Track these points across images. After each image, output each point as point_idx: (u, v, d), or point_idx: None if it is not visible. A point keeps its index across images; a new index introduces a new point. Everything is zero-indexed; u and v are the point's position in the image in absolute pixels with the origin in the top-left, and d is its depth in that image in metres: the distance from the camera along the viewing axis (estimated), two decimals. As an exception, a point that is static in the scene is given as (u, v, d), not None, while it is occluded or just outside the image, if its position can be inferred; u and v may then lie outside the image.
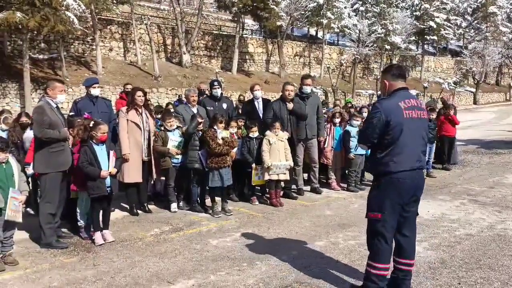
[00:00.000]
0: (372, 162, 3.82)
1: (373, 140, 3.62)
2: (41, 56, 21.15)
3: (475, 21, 45.31)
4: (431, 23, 38.93)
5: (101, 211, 5.32)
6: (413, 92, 33.91)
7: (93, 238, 5.24)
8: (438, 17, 39.15)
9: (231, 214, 6.39)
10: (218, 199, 6.51)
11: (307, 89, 7.46)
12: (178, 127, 6.59)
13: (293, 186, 7.59)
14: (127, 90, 8.72)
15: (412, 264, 3.78)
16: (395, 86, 3.70)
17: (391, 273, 3.76)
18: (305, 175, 8.04)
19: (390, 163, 3.56)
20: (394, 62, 39.73)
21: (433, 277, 4.19)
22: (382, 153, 3.62)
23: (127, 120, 6.27)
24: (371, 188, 3.81)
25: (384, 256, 3.62)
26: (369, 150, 4.02)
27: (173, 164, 6.55)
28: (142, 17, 25.90)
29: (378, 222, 3.62)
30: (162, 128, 6.53)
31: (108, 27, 24.37)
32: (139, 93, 6.36)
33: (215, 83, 7.59)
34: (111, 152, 5.26)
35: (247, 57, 30.88)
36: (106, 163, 5.18)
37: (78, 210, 5.45)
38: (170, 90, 23.45)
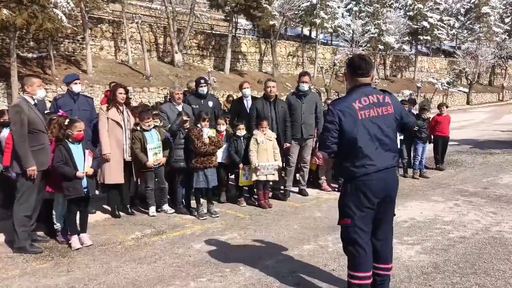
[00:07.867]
0: (338, 167, 3.54)
1: (332, 145, 3.32)
2: (30, 55, 20.75)
3: (468, 22, 45.34)
4: (425, 23, 38.88)
5: (78, 214, 5.04)
6: (407, 92, 33.94)
7: (69, 242, 4.97)
8: (431, 17, 39.11)
9: (217, 216, 6.14)
10: (204, 200, 6.25)
11: (304, 86, 7.11)
12: (155, 127, 6.23)
13: (281, 187, 7.35)
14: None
15: (390, 268, 3.56)
16: (355, 83, 3.40)
17: None
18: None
19: (352, 168, 3.32)
20: (388, 62, 39.76)
21: (426, 283, 3.97)
22: (344, 157, 3.37)
23: (108, 118, 6.00)
24: (340, 194, 3.58)
25: (362, 264, 3.37)
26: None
27: (153, 167, 6.13)
28: (134, 16, 25.56)
29: (349, 228, 3.39)
30: (139, 128, 6.09)
31: (99, 25, 24.02)
32: (121, 90, 6.10)
33: (202, 80, 7.33)
34: (87, 152, 4.98)
35: (240, 56, 30.61)
36: (82, 163, 4.91)
37: (54, 213, 5.17)
38: (161, 89, 23.11)
